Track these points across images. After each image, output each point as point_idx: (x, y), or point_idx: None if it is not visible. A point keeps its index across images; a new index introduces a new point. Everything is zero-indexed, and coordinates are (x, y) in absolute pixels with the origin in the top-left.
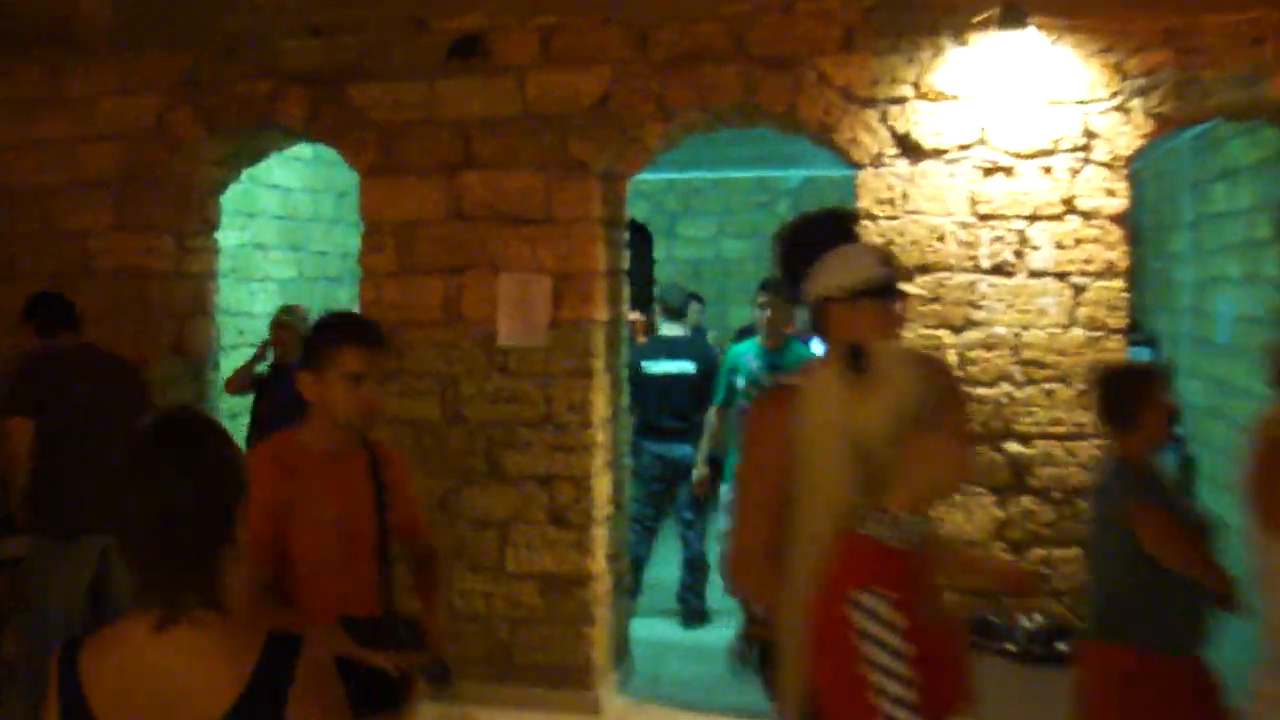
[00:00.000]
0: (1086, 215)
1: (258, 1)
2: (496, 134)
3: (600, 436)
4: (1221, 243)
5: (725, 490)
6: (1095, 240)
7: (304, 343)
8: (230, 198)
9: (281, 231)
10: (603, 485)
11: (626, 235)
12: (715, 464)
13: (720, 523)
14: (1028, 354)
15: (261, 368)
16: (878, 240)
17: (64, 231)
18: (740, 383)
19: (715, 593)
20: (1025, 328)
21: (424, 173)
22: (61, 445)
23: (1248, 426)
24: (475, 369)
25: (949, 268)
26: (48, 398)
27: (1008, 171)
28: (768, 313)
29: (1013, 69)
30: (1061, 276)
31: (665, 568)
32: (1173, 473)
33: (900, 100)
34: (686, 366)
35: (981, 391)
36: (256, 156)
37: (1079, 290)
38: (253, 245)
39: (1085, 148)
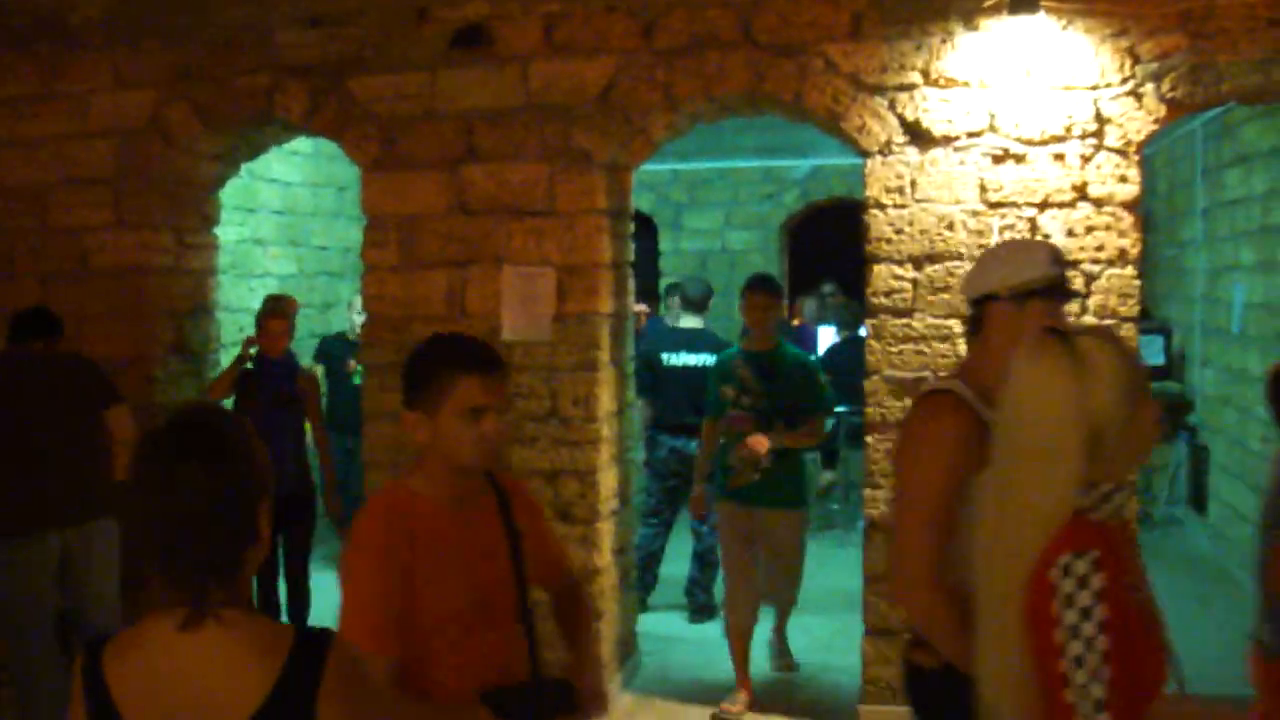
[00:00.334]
0: (1098, 202)
1: None
2: (500, 125)
3: (606, 431)
4: (1234, 229)
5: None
6: (1107, 228)
7: (404, 376)
8: (230, 193)
9: (282, 227)
10: (609, 480)
11: (632, 227)
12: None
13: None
14: None
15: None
16: (887, 229)
17: (60, 229)
18: (730, 392)
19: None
20: None
21: (426, 166)
22: (9, 446)
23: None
24: None
25: (959, 256)
26: None
27: (1018, 159)
28: (763, 314)
29: (1023, 54)
30: (1073, 264)
31: (673, 562)
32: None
33: (909, 87)
34: (707, 359)
35: None
36: (255, 151)
37: (1090, 278)
38: (252, 241)
39: (1097, 134)
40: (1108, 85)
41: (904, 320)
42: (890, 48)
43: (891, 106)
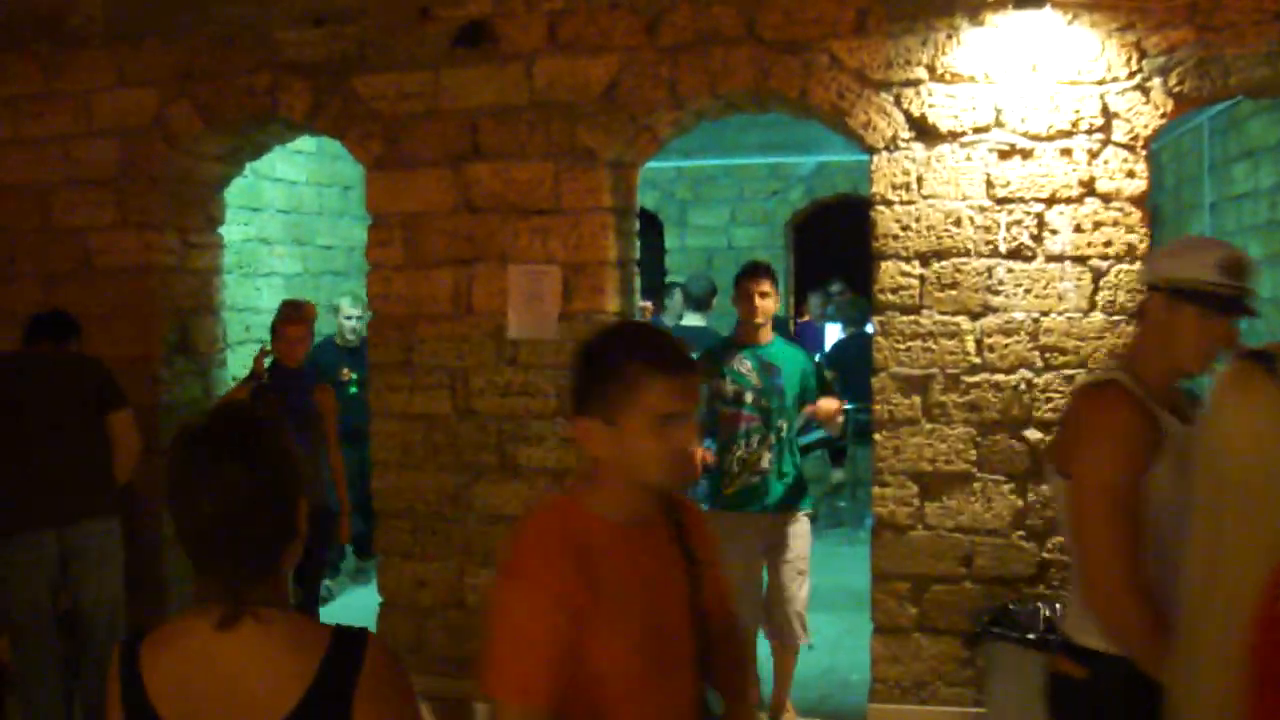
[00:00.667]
0: (1106, 198)
1: None
2: (504, 123)
3: None
4: (1242, 224)
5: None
6: (1115, 223)
7: (579, 374)
8: (234, 192)
9: (286, 226)
10: None
11: (637, 225)
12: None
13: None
14: (1046, 340)
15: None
16: (893, 226)
17: (64, 230)
18: (729, 388)
19: None
20: (1044, 313)
21: (431, 164)
22: (6, 445)
23: None
24: (486, 362)
25: (966, 253)
26: None
27: (1025, 154)
28: (765, 302)
29: (1029, 49)
30: (1081, 260)
31: None
32: None
33: (915, 83)
34: None
35: (999, 378)
36: (259, 150)
37: (1098, 274)
38: (257, 240)
39: (1104, 129)
40: (1114, 80)
41: (911, 317)
42: (895, 43)
43: (897, 102)
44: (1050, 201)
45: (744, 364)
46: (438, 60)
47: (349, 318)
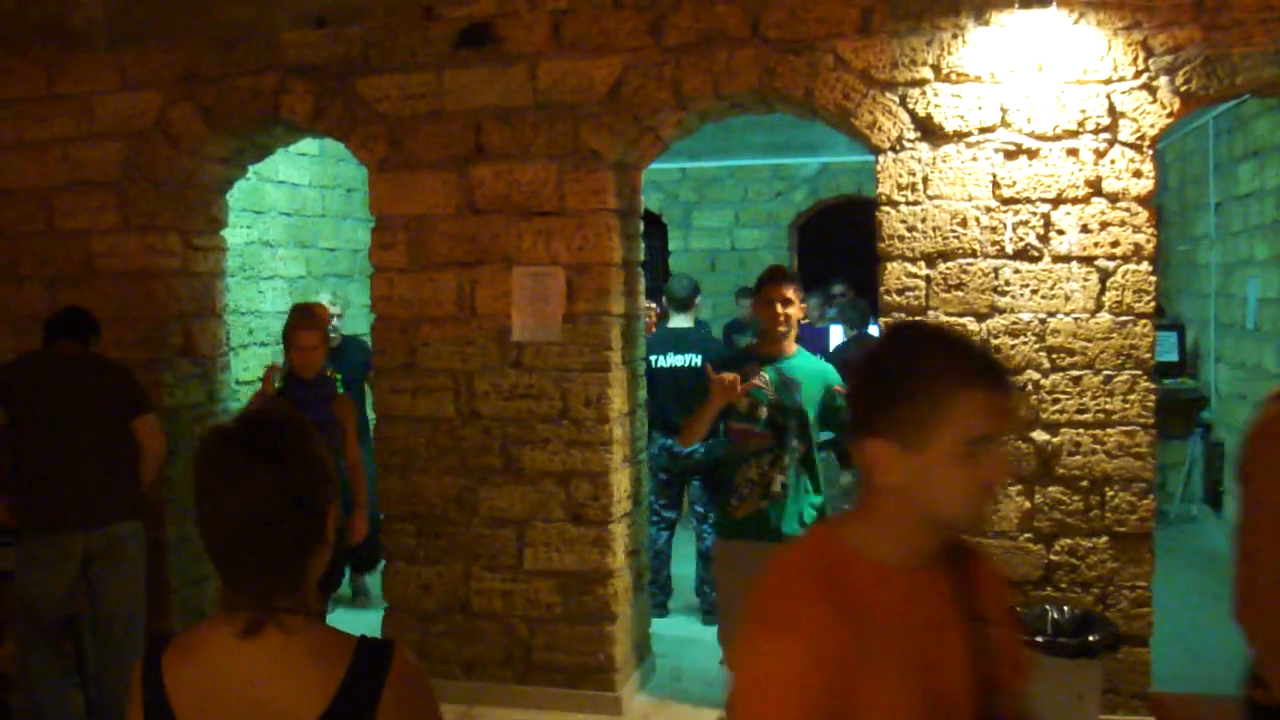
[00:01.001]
0: (1112, 197)
1: None
2: (508, 124)
3: (618, 432)
4: (1248, 224)
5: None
6: (1122, 223)
7: (866, 387)
8: (237, 195)
9: (290, 228)
10: (621, 481)
11: (642, 226)
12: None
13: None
14: (1053, 340)
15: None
16: (899, 226)
17: (66, 232)
18: (742, 401)
19: None
20: (1051, 314)
21: (434, 166)
22: (37, 446)
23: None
24: (490, 365)
25: (972, 253)
26: (15, 400)
27: (1031, 154)
28: (788, 310)
29: (1035, 48)
30: (1087, 261)
31: (685, 564)
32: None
33: (920, 83)
34: (694, 359)
35: None
36: (262, 153)
37: (1105, 274)
38: (261, 243)
39: (1110, 128)
40: (1121, 79)
41: (917, 318)
42: (901, 43)
43: (903, 102)
44: (1056, 202)
45: (761, 377)
46: (441, 61)
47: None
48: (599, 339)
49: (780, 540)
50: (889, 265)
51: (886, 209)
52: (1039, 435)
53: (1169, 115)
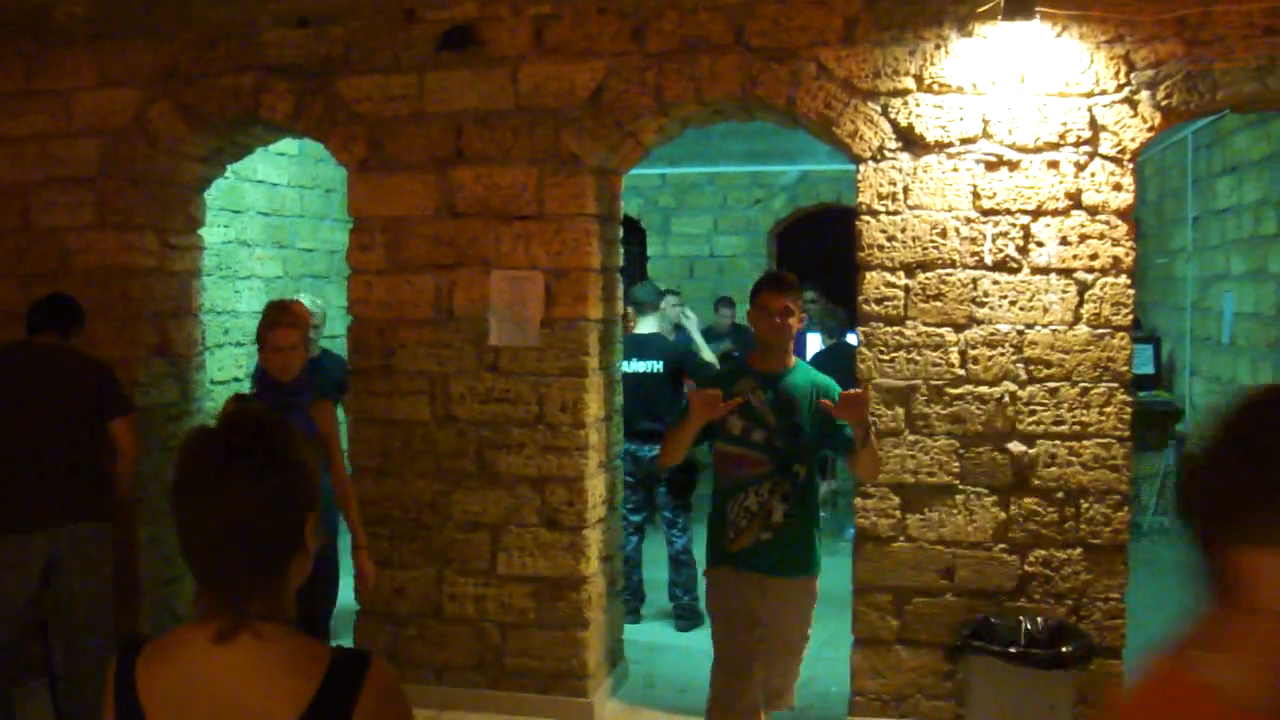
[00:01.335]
0: (1092, 210)
1: None
2: (489, 128)
3: (594, 437)
4: (1225, 238)
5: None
6: (1101, 236)
7: (1246, 481)
8: (215, 194)
9: (267, 228)
10: (596, 487)
11: (620, 232)
12: (689, 467)
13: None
14: (1031, 352)
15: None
16: (879, 236)
17: (43, 229)
18: (736, 424)
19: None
20: (1029, 325)
21: (414, 168)
22: (3, 442)
23: None
24: (466, 368)
25: (951, 264)
26: None
27: (1012, 165)
28: (788, 321)
29: (1018, 60)
30: (1066, 273)
31: (657, 570)
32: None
33: (902, 93)
34: (654, 365)
35: (984, 390)
36: (241, 152)
37: (1084, 287)
38: (238, 242)
39: (1091, 141)
40: (1102, 92)
41: (895, 328)
42: (884, 53)
43: (885, 112)
44: (1036, 214)
45: (755, 394)
46: (423, 63)
47: None
48: (576, 344)
49: (786, 574)
50: (868, 274)
51: (866, 218)
52: (1015, 447)
53: (1150, 129)
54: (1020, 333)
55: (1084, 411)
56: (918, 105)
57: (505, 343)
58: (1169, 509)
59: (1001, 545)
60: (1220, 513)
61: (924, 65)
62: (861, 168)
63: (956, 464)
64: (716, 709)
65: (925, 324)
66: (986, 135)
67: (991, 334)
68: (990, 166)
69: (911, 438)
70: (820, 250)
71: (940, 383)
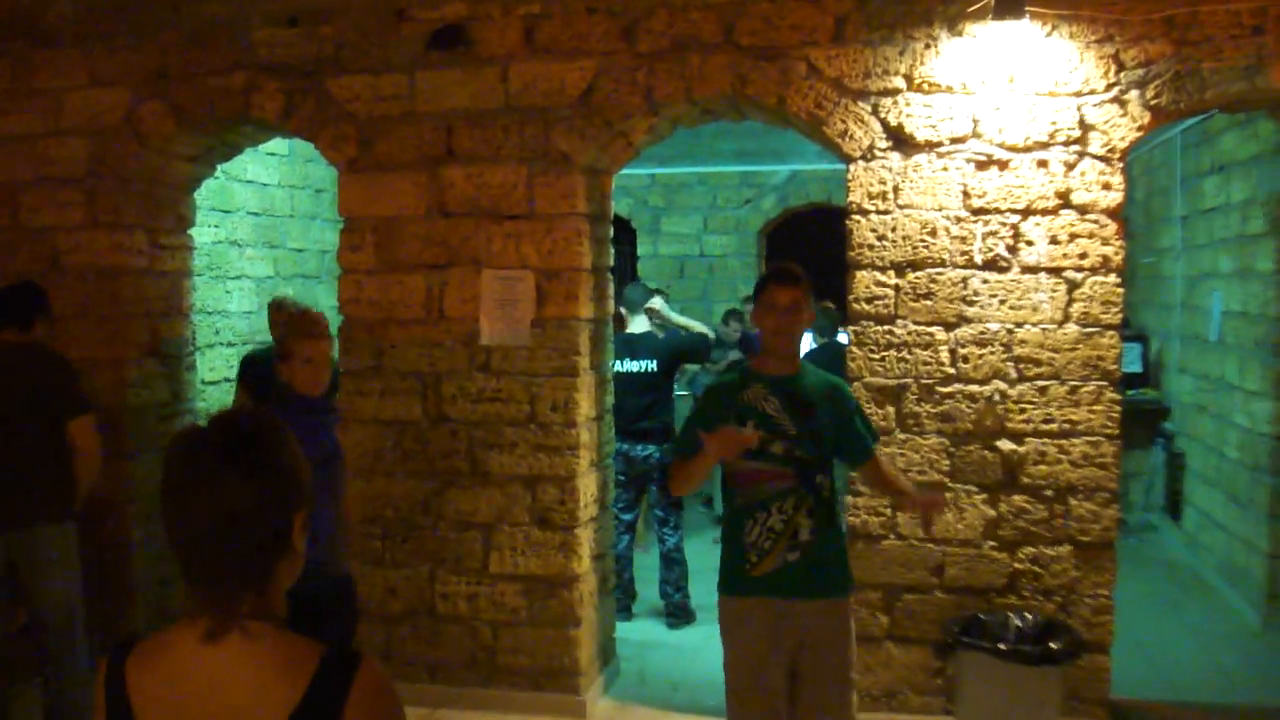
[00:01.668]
0: (1081, 209)
1: None
2: (479, 127)
3: (585, 436)
4: (1212, 237)
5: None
6: (1090, 235)
7: None
8: (205, 194)
9: (257, 228)
10: (588, 486)
11: (611, 231)
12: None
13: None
14: (1021, 351)
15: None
16: (869, 235)
17: (32, 229)
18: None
19: (697, 590)
20: (1018, 324)
21: (404, 167)
22: None
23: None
24: (458, 368)
25: (942, 263)
26: None
27: (1002, 165)
28: (793, 319)
29: (1007, 60)
30: (1056, 272)
31: (649, 569)
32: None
33: (893, 92)
34: (648, 365)
35: (974, 389)
36: (231, 151)
37: (1073, 286)
38: (228, 242)
39: (1081, 140)
40: (1092, 92)
41: (886, 327)
42: (874, 52)
43: (875, 111)
44: (1026, 213)
45: (769, 401)
46: (413, 63)
47: None
48: (567, 344)
49: (819, 596)
50: (858, 274)
51: (857, 218)
52: (1005, 445)
53: (1139, 129)
54: (1010, 331)
55: (1073, 410)
56: (908, 105)
57: (497, 342)
58: (1156, 506)
59: (991, 543)
60: None
61: (914, 65)
62: (852, 167)
63: (947, 462)
64: None
65: (915, 323)
66: (976, 135)
67: (981, 333)
68: (980, 166)
69: (902, 436)
70: (810, 250)
71: (930, 381)
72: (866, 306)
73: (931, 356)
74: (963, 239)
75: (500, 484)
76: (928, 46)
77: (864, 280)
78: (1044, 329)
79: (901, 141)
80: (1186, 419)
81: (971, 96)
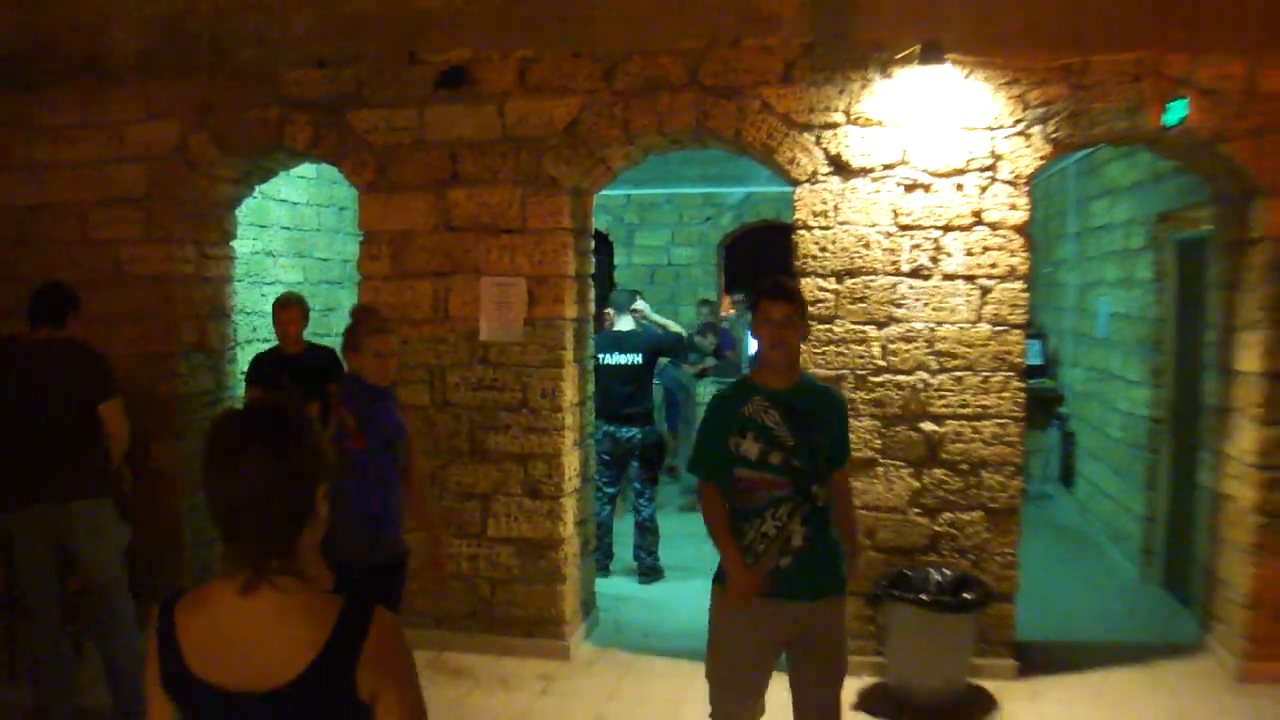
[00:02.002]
0: (993, 226)
1: (267, 36)
2: (480, 154)
3: (569, 419)
4: (1100, 251)
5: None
6: (1000, 248)
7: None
8: (245, 211)
9: (289, 240)
10: (571, 461)
11: (592, 244)
12: (659, 445)
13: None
14: (941, 346)
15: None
16: (813, 247)
17: (98, 241)
18: (751, 447)
19: (665, 551)
20: (939, 323)
21: (415, 188)
22: (7, 426)
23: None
24: (460, 361)
25: (874, 271)
26: None
27: (926, 188)
28: (785, 333)
29: (931, 99)
30: (971, 279)
31: (625, 534)
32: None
33: (833, 126)
34: (634, 358)
35: (901, 379)
36: (267, 175)
37: (985, 291)
38: (264, 253)
39: (992, 167)
40: (1001, 126)
41: (827, 326)
42: (818, 91)
43: (818, 142)
44: (946, 229)
45: (768, 414)
46: (423, 99)
47: None
48: (555, 340)
49: (809, 598)
50: (804, 280)
51: (802, 232)
52: (927, 426)
53: (1041, 158)
54: (932, 330)
55: (985, 396)
56: (846, 136)
57: (494, 339)
58: (1052, 478)
59: (916, 509)
60: None
61: (851, 102)
62: (798, 189)
63: (878, 441)
64: None
65: (852, 322)
66: (904, 162)
67: (908, 331)
68: (908, 189)
69: None
70: (762, 261)
71: (864, 372)
72: (810, 308)
73: (865, 351)
74: (892, 251)
75: (496, 460)
76: (863, 87)
77: (808, 286)
78: (960, 328)
79: (841, 168)
80: (1078, 404)
81: (900, 129)
